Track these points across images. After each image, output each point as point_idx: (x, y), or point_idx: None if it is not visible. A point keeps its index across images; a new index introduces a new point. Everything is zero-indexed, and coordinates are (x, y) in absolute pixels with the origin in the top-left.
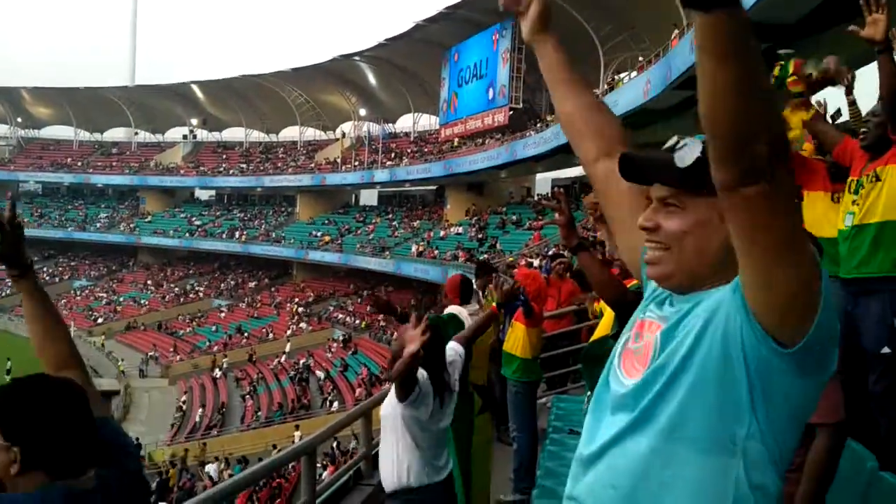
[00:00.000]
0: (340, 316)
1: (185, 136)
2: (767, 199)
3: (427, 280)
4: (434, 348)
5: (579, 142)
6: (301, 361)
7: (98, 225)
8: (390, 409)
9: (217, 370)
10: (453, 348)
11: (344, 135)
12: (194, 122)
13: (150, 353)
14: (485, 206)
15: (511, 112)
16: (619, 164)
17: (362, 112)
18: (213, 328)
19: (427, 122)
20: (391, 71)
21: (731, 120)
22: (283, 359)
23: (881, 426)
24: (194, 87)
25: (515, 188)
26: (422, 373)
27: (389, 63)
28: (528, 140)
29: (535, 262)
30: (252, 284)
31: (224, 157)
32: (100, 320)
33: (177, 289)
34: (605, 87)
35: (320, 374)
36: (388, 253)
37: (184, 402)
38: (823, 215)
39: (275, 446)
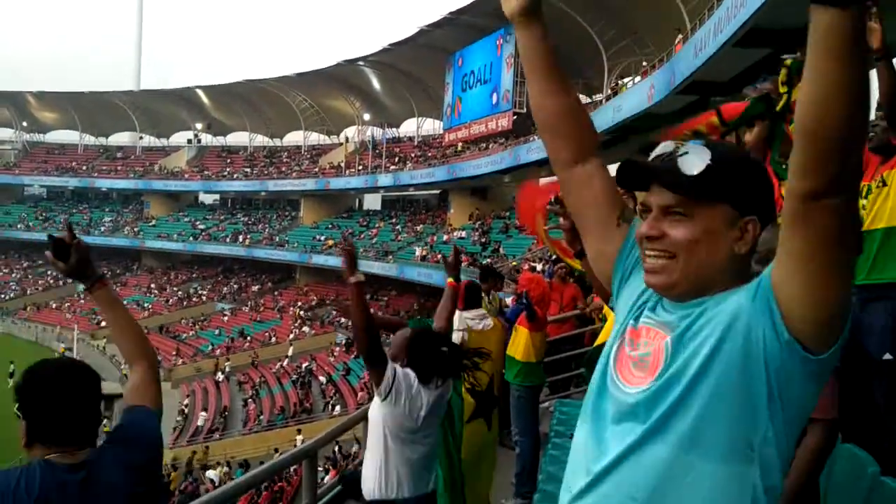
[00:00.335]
0: (343, 320)
1: (189, 141)
2: (842, 214)
3: (430, 284)
4: (430, 357)
5: (557, 142)
6: (303, 365)
7: (102, 229)
8: (375, 411)
9: (220, 374)
10: None
11: (348, 139)
12: (199, 126)
13: None
14: (488, 210)
15: (515, 117)
16: (620, 169)
17: (366, 117)
18: (216, 332)
19: (431, 126)
20: (395, 76)
21: (838, 124)
22: (285, 362)
23: (887, 432)
24: (199, 91)
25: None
26: (406, 372)
27: (393, 68)
28: (532, 145)
29: (539, 267)
30: (255, 288)
31: (228, 161)
32: (103, 323)
33: (180, 292)
34: (609, 91)
35: (322, 377)
36: (391, 257)
37: (186, 406)
38: None
39: (276, 450)
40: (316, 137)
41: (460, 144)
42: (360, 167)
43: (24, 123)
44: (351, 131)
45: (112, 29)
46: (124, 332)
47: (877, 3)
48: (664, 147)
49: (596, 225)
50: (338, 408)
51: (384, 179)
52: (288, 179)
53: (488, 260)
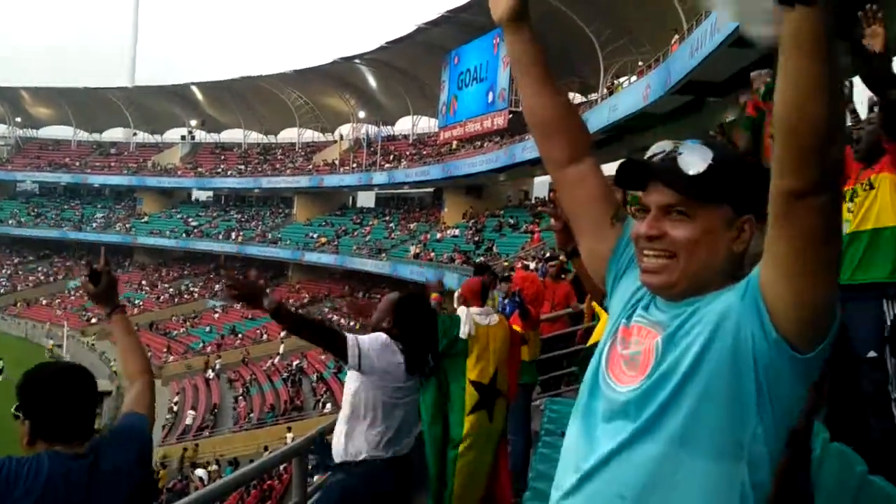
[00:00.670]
0: (335, 317)
1: (183, 137)
2: (827, 212)
3: (423, 282)
4: (415, 321)
5: (550, 143)
6: (294, 363)
7: (94, 225)
8: (354, 382)
9: (210, 371)
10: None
11: (342, 137)
12: (193, 123)
13: None
14: (482, 208)
15: (510, 115)
16: (620, 168)
17: (361, 114)
18: (207, 329)
19: (426, 124)
20: (391, 73)
21: (816, 121)
22: (276, 360)
23: (873, 429)
24: (194, 88)
25: (513, 191)
26: (372, 338)
27: (390, 66)
28: (527, 143)
29: (532, 265)
30: None
31: (222, 158)
32: (93, 320)
33: (171, 289)
34: (605, 90)
35: (313, 375)
36: (384, 255)
37: (176, 404)
38: None
39: (266, 448)
40: (310, 135)
41: (455, 143)
42: (355, 165)
43: (18, 119)
44: (346, 129)
45: (108, 24)
46: (133, 355)
47: (881, 4)
48: (661, 146)
49: (590, 224)
50: (328, 405)
51: (378, 177)
52: (282, 176)
53: (482, 258)
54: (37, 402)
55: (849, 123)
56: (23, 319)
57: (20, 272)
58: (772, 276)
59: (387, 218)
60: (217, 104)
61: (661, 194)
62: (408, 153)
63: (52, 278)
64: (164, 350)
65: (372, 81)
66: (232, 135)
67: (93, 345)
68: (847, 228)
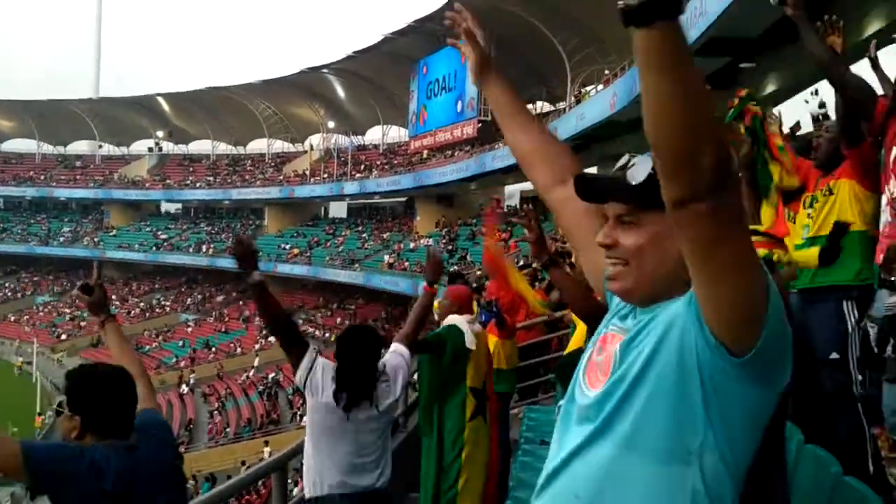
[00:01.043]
0: (310, 329)
1: (150, 149)
2: (713, 217)
3: (397, 292)
4: (355, 355)
5: (534, 172)
6: (270, 376)
7: (61, 239)
8: (308, 403)
9: (184, 386)
10: (395, 350)
11: (312, 147)
12: (160, 134)
13: None
14: (455, 217)
15: (480, 124)
16: (574, 185)
17: (331, 124)
18: (180, 343)
19: (396, 134)
20: (360, 83)
21: (675, 133)
22: (251, 373)
23: (839, 429)
24: (160, 99)
25: (485, 199)
26: (326, 364)
27: (358, 75)
28: (497, 152)
29: None
30: (220, 298)
31: (191, 169)
32: (63, 336)
33: (142, 304)
34: (573, 99)
35: (289, 388)
36: (357, 265)
37: None
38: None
39: (243, 463)
40: (280, 145)
41: (426, 152)
42: (325, 175)
43: None
44: (315, 139)
45: (71, 37)
46: (130, 359)
47: (834, 16)
48: (623, 159)
49: (584, 239)
50: (305, 418)
51: (350, 187)
52: (252, 188)
53: (455, 267)
54: (88, 398)
55: (809, 129)
56: None
57: None
58: (693, 282)
59: (359, 228)
60: (184, 115)
61: (614, 205)
62: (378, 163)
63: (19, 294)
64: None
65: (340, 91)
66: (200, 146)
67: (59, 361)
68: (806, 234)
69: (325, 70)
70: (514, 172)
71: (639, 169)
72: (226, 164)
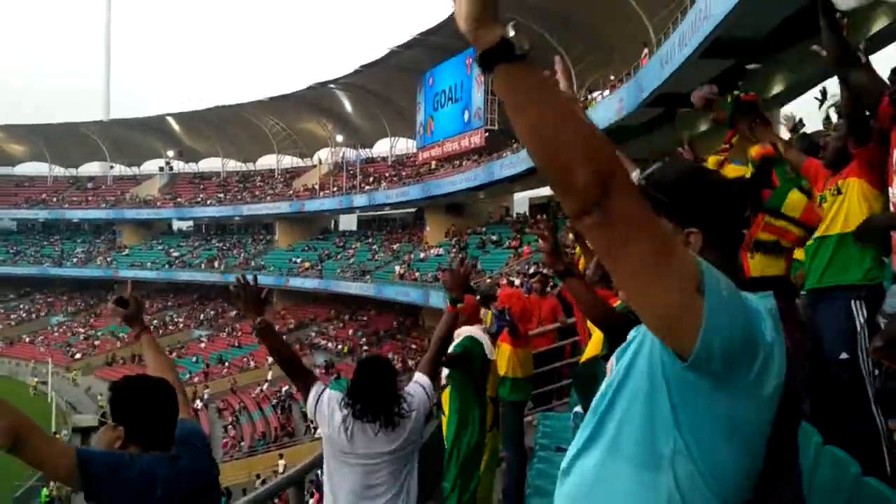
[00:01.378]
0: (322, 342)
1: (161, 169)
2: (603, 229)
3: (408, 302)
4: (370, 384)
5: None
6: (283, 389)
7: (74, 260)
8: None
9: (198, 401)
10: (418, 381)
11: (321, 161)
12: (170, 153)
13: None
14: (464, 226)
15: (487, 134)
16: None
17: (339, 138)
18: (194, 359)
19: (404, 145)
20: (367, 97)
21: (544, 159)
22: (265, 387)
23: (853, 429)
24: (170, 119)
25: (494, 208)
26: (329, 394)
27: (365, 89)
28: (505, 160)
29: (517, 281)
30: (232, 313)
31: (201, 187)
32: (77, 356)
33: (156, 321)
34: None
35: (303, 401)
36: (368, 277)
37: None
38: None
39: (258, 476)
40: (289, 160)
41: (434, 162)
42: (335, 188)
43: None
44: (324, 153)
45: (81, 60)
46: (165, 369)
47: (839, 13)
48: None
49: None
50: (319, 431)
51: (359, 200)
52: (262, 203)
53: None
54: (132, 409)
55: (817, 127)
56: (5, 358)
57: (1, 310)
58: None
59: (369, 240)
60: (194, 134)
61: None
62: (387, 175)
63: (34, 315)
64: None
65: (348, 105)
66: (210, 164)
67: (74, 380)
68: (815, 234)
69: (332, 85)
70: (521, 180)
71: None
72: (236, 180)
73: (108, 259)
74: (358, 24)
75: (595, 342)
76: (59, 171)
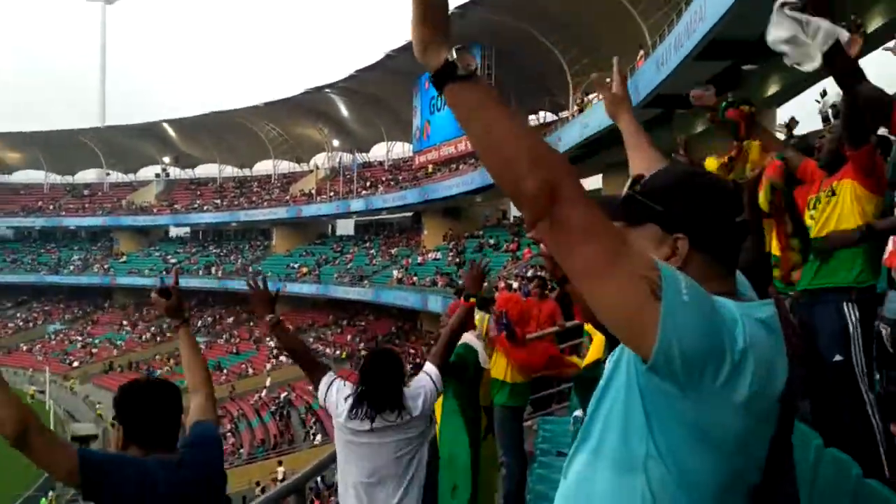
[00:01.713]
0: (320, 347)
1: (157, 175)
2: (552, 234)
3: (407, 307)
4: (378, 376)
5: None
6: (282, 395)
7: (71, 268)
8: None
9: None
10: (425, 370)
11: (318, 166)
12: (167, 160)
13: None
14: (462, 230)
15: None
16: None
17: (336, 143)
18: None
19: (401, 149)
20: (363, 101)
21: (493, 168)
22: (263, 394)
23: (849, 430)
24: (166, 125)
25: (491, 211)
26: (339, 384)
27: (361, 93)
28: None
29: (515, 285)
30: (230, 320)
31: (198, 193)
32: (75, 364)
33: (153, 328)
34: (575, 108)
35: (302, 406)
36: (366, 281)
37: None
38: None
39: (258, 483)
40: (286, 166)
41: (431, 166)
42: (332, 193)
43: None
44: (321, 158)
45: (76, 67)
46: (197, 365)
47: (853, 15)
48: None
49: None
50: (319, 437)
51: (356, 204)
52: (259, 209)
53: (462, 281)
54: (131, 409)
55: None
56: (2, 367)
57: None
58: None
59: (367, 244)
60: (190, 140)
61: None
62: (384, 179)
63: (31, 324)
64: None
65: (344, 110)
66: (207, 170)
67: (71, 388)
68: (809, 234)
69: (328, 90)
70: None
71: (625, 189)
72: (232, 186)
73: (105, 266)
74: (353, 29)
75: (597, 346)
76: (55, 178)
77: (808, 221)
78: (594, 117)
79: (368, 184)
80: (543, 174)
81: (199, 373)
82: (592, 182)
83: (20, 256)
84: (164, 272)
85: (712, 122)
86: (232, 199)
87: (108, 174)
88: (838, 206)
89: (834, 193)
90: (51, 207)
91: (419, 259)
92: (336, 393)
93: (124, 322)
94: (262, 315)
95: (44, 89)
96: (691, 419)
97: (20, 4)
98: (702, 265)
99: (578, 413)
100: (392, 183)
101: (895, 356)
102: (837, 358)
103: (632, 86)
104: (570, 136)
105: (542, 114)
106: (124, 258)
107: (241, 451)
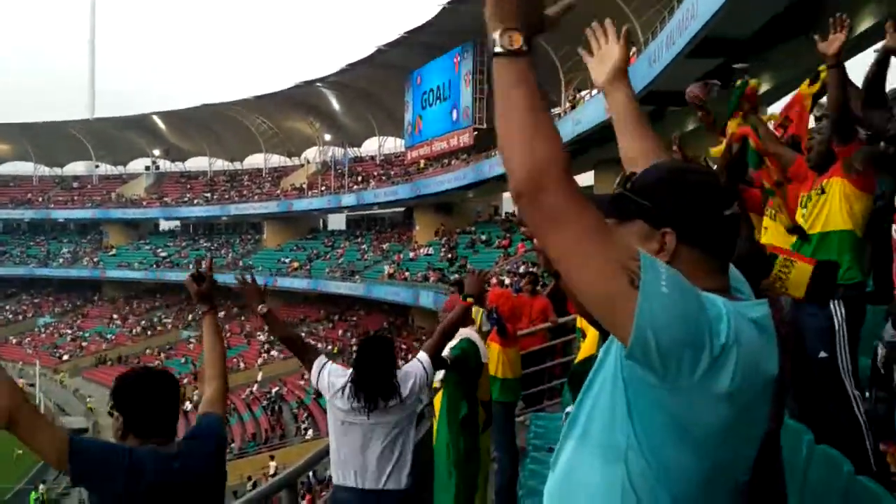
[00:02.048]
0: (312, 342)
1: (147, 168)
2: (532, 217)
3: (398, 302)
4: (371, 362)
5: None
6: (273, 390)
7: (61, 260)
8: None
9: (188, 403)
10: (419, 358)
11: (309, 161)
12: (157, 152)
13: None
14: (453, 226)
15: (476, 132)
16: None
17: (327, 137)
18: (182, 360)
19: (393, 144)
20: (354, 95)
21: (501, 141)
22: (254, 388)
23: (836, 424)
24: (156, 118)
25: (483, 207)
26: (331, 367)
27: (352, 88)
28: (494, 160)
29: (507, 280)
30: (221, 314)
31: (188, 186)
32: (65, 357)
33: (143, 322)
34: (568, 104)
35: (293, 401)
36: (357, 277)
37: None
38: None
39: (250, 478)
40: (277, 160)
41: (423, 162)
42: (323, 188)
43: None
44: (312, 152)
45: (64, 58)
46: (218, 354)
47: (840, 14)
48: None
49: None
50: (310, 431)
51: (347, 199)
52: (249, 203)
53: (456, 276)
54: (128, 399)
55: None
56: None
57: None
58: None
59: (358, 239)
60: (180, 133)
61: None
62: (376, 174)
63: (20, 317)
64: None
65: (335, 104)
66: (197, 163)
67: (61, 382)
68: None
69: (319, 83)
70: None
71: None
72: (223, 179)
73: (95, 259)
74: (344, 23)
75: (590, 341)
76: (44, 170)
77: (800, 219)
78: (586, 114)
79: (360, 179)
80: (532, 163)
81: (218, 364)
82: (584, 179)
83: (9, 249)
84: (154, 265)
85: (703, 121)
86: (222, 192)
87: (97, 166)
88: (827, 204)
89: (823, 191)
90: (40, 200)
91: (411, 254)
92: (329, 375)
93: (114, 315)
94: (255, 305)
95: (33, 81)
96: (670, 410)
97: None
98: (691, 260)
99: (570, 409)
100: (384, 178)
101: (885, 376)
102: (822, 354)
103: None
104: (563, 132)
105: None
106: (114, 251)
107: (233, 445)
